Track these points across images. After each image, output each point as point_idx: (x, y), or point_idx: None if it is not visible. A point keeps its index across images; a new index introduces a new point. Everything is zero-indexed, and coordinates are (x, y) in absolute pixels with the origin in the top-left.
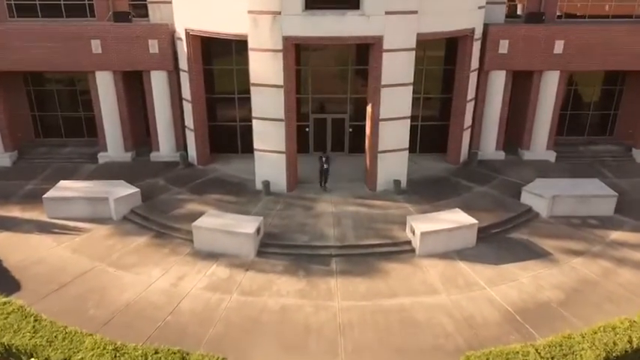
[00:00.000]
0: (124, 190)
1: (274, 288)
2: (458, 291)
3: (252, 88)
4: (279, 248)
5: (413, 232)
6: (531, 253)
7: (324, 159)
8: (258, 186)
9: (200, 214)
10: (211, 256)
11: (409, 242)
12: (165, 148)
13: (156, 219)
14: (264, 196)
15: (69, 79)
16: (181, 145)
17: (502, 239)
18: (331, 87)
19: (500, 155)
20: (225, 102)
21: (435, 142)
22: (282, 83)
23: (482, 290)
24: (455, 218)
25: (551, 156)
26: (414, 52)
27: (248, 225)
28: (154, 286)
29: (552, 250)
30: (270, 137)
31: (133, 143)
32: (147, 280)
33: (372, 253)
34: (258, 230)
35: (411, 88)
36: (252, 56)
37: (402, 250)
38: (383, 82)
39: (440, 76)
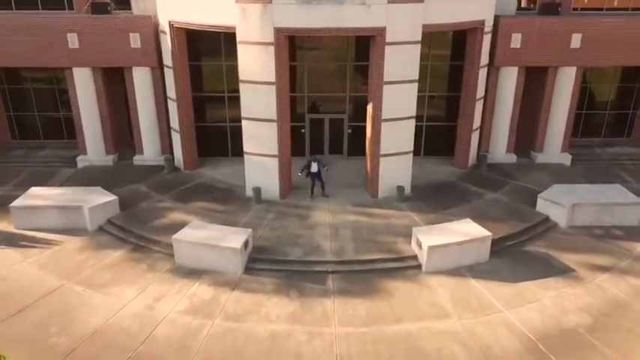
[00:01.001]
0: (100, 197)
1: (263, 311)
2: (471, 314)
3: (241, 86)
4: (269, 264)
5: (419, 246)
6: (551, 268)
7: (314, 163)
8: (249, 193)
9: (183, 225)
10: (194, 273)
11: (415, 257)
12: (149, 152)
13: (134, 230)
14: (255, 204)
15: (47, 77)
16: (167, 147)
17: (518, 253)
18: (329, 84)
19: (512, 158)
20: (214, 101)
21: (441, 144)
22: (273, 80)
23: (499, 313)
24: (465, 230)
25: (566, 159)
26: (419, 45)
27: (235, 238)
28: (127, 309)
29: (574, 265)
30: (261, 139)
31: (115, 146)
32: (119, 302)
33: (373, 269)
34: (245, 244)
35: (416, 85)
36: (241, 50)
37: (407, 266)
38: (385, 79)
39: (446, 73)
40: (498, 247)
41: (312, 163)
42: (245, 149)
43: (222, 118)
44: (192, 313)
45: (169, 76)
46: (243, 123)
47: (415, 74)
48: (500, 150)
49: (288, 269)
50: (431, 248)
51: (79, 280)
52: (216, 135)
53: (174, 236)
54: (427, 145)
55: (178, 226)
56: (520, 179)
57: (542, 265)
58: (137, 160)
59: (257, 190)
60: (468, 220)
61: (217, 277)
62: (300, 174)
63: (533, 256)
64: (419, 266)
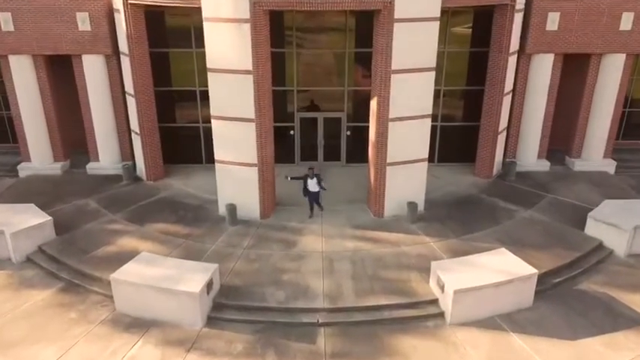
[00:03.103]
0: (29, 219)
1: None
2: None
3: (209, 76)
4: (240, 312)
5: (441, 288)
6: (618, 317)
7: (312, 176)
8: (222, 211)
9: (135, 254)
10: (138, 325)
11: (435, 301)
12: (106, 158)
13: (69, 262)
14: (229, 225)
15: None
16: (128, 153)
17: (569, 294)
18: (323, 76)
19: (544, 166)
20: (184, 97)
21: (460, 148)
22: (250, 67)
23: None
24: (501, 264)
25: (609, 166)
26: (437, 23)
27: (194, 278)
28: None
29: None
30: (236, 144)
31: (66, 151)
32: None
33: (380, 319)
34: (208, 285)
35: (432, 74)
36: (209, 30)
37: (425, 315)
38: (394, 67)
39: (466, 62)
40: (543, 285)
41: (309, 180)
42: (216, 156)
43: (193, 117)
44: None
45: (126, 65)
46: (214, 123)
47: (432, 60)
48: (531, 156)
49: (265, 320)
50: (458, 293)
51: None
52: (187, 138)
53: (113, 275)
54: (442, 150)
55: (127, 256)
56: (558, 192)
57: (604, 311)
58: (91, 168)
59: (231, 209)
60: (503, 250)
61: (169, 332)
62: (287, 178)
63: (590, 298)
64: (441, 315)
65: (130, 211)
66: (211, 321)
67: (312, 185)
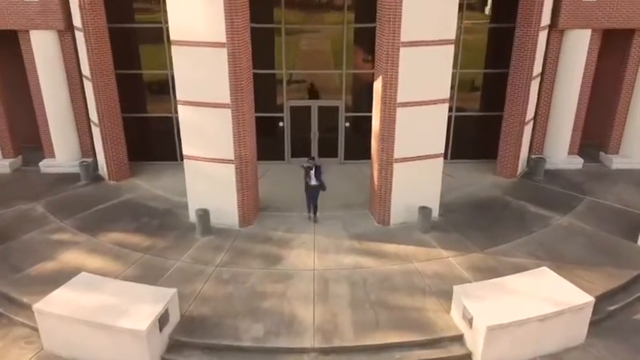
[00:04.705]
0: None
1: None
2: None
3: (173, 50)
4: (204, 353)
5: (469, 322)
6: None
7: (311, 167)
8: (193, 217)
9: (78, 273)
10: None
11: (460, 338)
12: (62, 154)
13: None
14: (200, 235)
15: None
16: (90, 149)
17: (629, 326)
18: (317, 57)
19: (577, 163)
20: (154, 82)
21: (478, 143)
22: (224, 39)
23: None
24: (545, 290)
25: None
26: None
27: (142, 309)
28: None
29: None
30: (207, 136)
31: (16, 146)
32: None
33: None
34: (161, 319)
35: (451, 49)
36: None
37: (447, 358)
38: (403, 38)
39: (485, 39)
40: (596, 315)
41: (311, 171)
42: (185, 151)
43: (165, 107)
44: None
45: (81, 42)
46: (181, 110)
47: (451, 31)
48: (561, 151)
49: None
50: (492, 330)
51: None
52: (158, 131)
53: (37, 305)
54: (457, 145)
55: (69, 275)
56: (596, 194)
57: None
58: (45, 166)
59: (203, 215)
60: (545, 269)
61: None
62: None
63: None
64: (468, 356)
65: (83, 218)
66: None
67: (313, 179)
